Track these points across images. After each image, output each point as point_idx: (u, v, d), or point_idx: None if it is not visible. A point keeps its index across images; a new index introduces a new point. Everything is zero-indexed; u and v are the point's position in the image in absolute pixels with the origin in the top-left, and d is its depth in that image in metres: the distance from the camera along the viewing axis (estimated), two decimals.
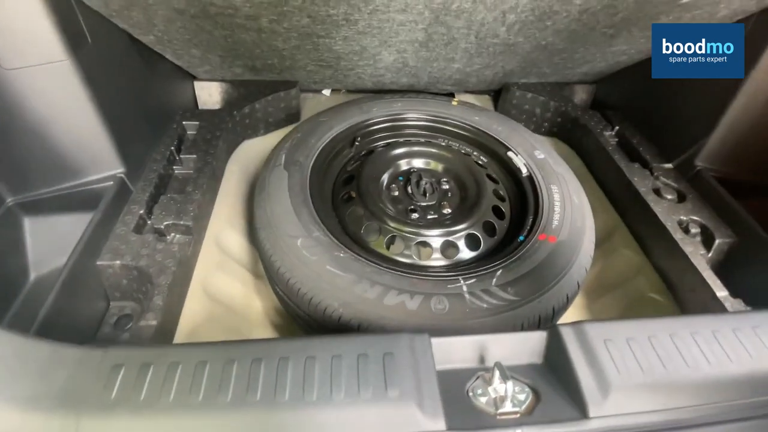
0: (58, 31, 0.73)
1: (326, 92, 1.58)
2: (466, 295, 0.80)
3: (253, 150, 1.32)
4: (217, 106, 1.36)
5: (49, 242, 0.84)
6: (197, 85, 1.33)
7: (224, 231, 1.08)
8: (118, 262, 0.81)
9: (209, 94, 1.35)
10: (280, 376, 0.52)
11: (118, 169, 0.90)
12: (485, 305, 0.79)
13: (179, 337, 0.83)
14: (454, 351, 0.61)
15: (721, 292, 0.84)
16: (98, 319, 0.81)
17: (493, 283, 0.82)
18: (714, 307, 0.84)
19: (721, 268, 0.92)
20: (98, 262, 0.80)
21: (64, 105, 0.79)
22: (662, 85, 1.18)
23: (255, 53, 1.10)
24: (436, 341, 0.60)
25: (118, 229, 0.86)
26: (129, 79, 0.97)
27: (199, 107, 1.36)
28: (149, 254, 0.82)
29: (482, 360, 0.61)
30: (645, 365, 0.56)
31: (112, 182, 0.89)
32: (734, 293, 0.85)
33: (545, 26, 0.97)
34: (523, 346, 0.62)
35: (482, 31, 0.95)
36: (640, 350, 0.58)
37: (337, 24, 0.96)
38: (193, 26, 0.92)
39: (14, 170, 0.77)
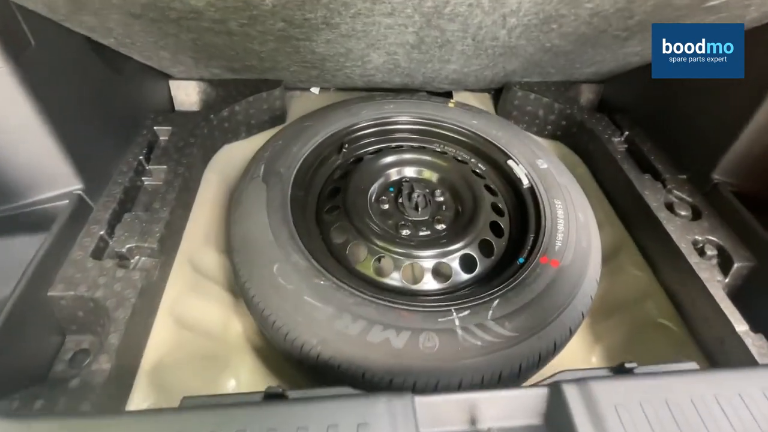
0: None
1: (315, 90, 1.48)
2: (459, 331, 0.72)
3: (233, 155, 1.23)
4: (195, 107, 1.27)
5: None
6: (173, 84, 1.23)
7: (199, 249, 1.00)
8: (71, 292, 0.72)
9: (186, 93, 1.25)
10: None
11: (75, 186, 0.82)
12: (479, 343, 0.71)
13: (142, 376, 0.75)
14: (441, 411, 0.53)
15: (741, 327, 0.76)
16: (52, 354, 0.73)
17: (489, 316, 0.74)
18: (732, 343, 0.76)
19: (739, 296, 0.84)
20: (49, 293, 0.72)
21: (6, 116, 0.70)
22: (678, 87, 1.08)
23: (230, 55, 1.01)
24: (420, 401, 0.52)
25: (75, 253, 0.77)
26: (87, 82, 0.87)
27: (176, 108, 1.26)
28: (107, 283, 0.74)
29: (473, 421, 0.54)
30: None
31: (68, 200, 0.80)
32: (755, 327, 0.77)
33: (550, 29, 0.87)
34: (520, 405, 0.54)
35: (480, 34, 0.86)
36: (656, 416, 0.50)
37: (316, 28, 0.86)
38: (155, 29, 0.83)
39: None
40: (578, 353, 0.93)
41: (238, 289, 0.87)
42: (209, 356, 0.88)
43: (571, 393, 0.52)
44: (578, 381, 0.53)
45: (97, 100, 0.91)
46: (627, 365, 0.67)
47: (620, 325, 0.99)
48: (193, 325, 0.90)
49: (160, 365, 0.80)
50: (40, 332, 0.72)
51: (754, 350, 0.73)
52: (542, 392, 0.54)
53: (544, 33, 0.89)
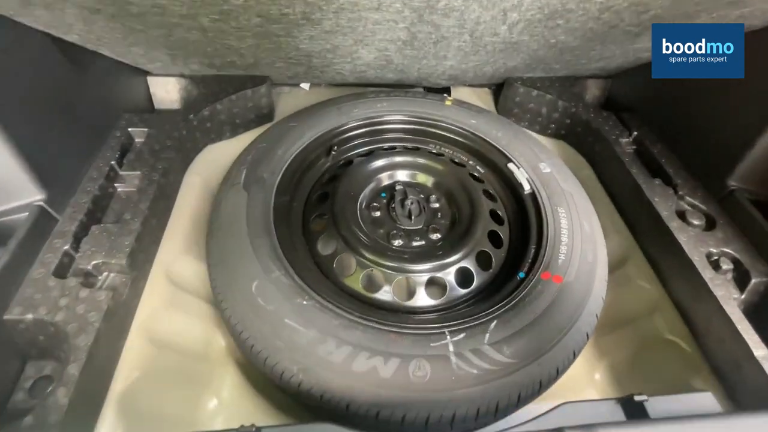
0: None
1: (305, 86, 1.40)
2: (452, 358, 0.66)
3: (217, 156, 1.15)
4: (176, 105, 1.19)
5: None
6: (151, 80, 1.15)
7: (178, 259, 0.93)
8: (30, 316, 0.66)
9: (166, 90, 1.17)
10: None
11: (36, 197, 0.75)
12: (475, 371, 0.65)
13: (110, 405, 0.69)
14: None
15: (759, 351, 0.70)
16: (11, 381, 0.68)
17: (486, 340, 0.68)
18: (749, 368, 0.70)
19: (756, 314, 0.78)
20: (5, 317, 0.66)
21: None
22: (693, 85, 1.01)
23: (207, 51, 0.93)
24: None
25: (35, 271, 0.71)
26: (49, 83, 0.80)
27: (156, 106, 1.19)
28: (69, 305, 0.68)
29: None
30: None
31: (28, 213, 0.73)
32: None
33: (556, 25, 0.79)
34: None
35: (478, 30, 0.79)
36: None
37: (296, 23, 0.78)
38: (119, 25, 0.75)
39: None
40: (580, 369, 0.87)
41: (217, 306, 0.81)
42: (188, 376, 0.83)
43: None
44: (584, 428, 0.47)
45: (62, 102, 0.83)
46: (637, 398, 0.61)
47: (626, 340, 0.93)
48: (171, 343, 0.84)
49: (132, 391, 0.74)
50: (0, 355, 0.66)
51: None
52: None
53: (549, 29, 0.81)
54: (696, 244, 0.86)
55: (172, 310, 0.87)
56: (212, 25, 0.78)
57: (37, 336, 0.68)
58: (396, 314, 0.79)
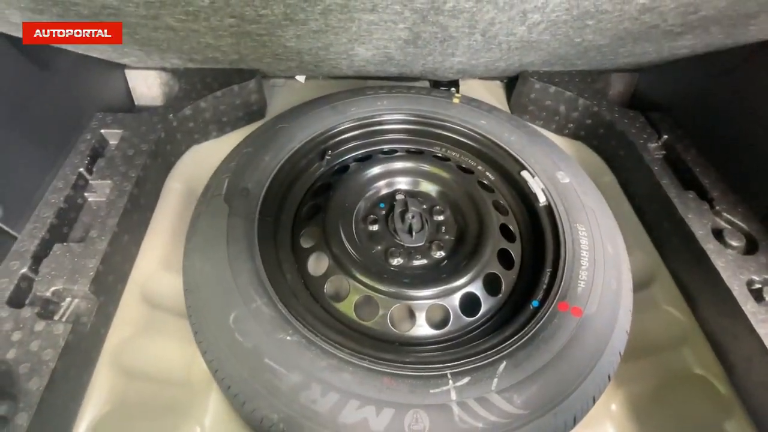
0: None
1: (300, 79, 1.29)
2: (455, 408, 0.58)
3: (202, 159, 1.06)
4: (158, 101, 1.09)
5: None
6: (130, 74, 1.05)
7: (156, 276, 0.85)
8: None
9: (147, 85, 1.07)
10: None
11: None
12: (480, 425, 0.57)
13: None
14: None
15: None
16: None
17: (493, 387, 0.60)
18: None
19: None
20: None
21: None
22: (736, 80, 0.88)
23: (183, 48, 0.83)
24: None
25: None
26: (1, 81, 0.70)
27: (136, 102, 1.09)
28: (22, 341, 0.60)
29: None
30: None
31: None
32: None
33: (584, 25, 0.68)
34: None
35: (491, 30, 0.67)
36: None
37: (277, 24, 0.68)
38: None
39: None
40: None
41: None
42: (167, 405, 0.75)
43: None
44: None
45: (19, 103, 0.74)
46: None
47: (648, 370, 0.83)
48: (146, 371, 0.77)
49: (100, 429, 0.67)
50: None
51: None
52: None
53: (576, 29, 0.70)
54: (735, 270, 0.76)
55: (147, 334, 0.79)
56: (181, 25, 0.67)
57: None
58: (392, 347, 0.70)
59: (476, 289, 0.77)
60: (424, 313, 0.74)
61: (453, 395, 0.59)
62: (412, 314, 0.75)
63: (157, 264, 0.87)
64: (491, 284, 0.79)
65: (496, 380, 0.60)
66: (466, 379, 0.60)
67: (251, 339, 0.62)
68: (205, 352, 0.65)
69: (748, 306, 0.71)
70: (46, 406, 0.57)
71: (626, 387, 0.81)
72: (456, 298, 0.75)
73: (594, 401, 0.64)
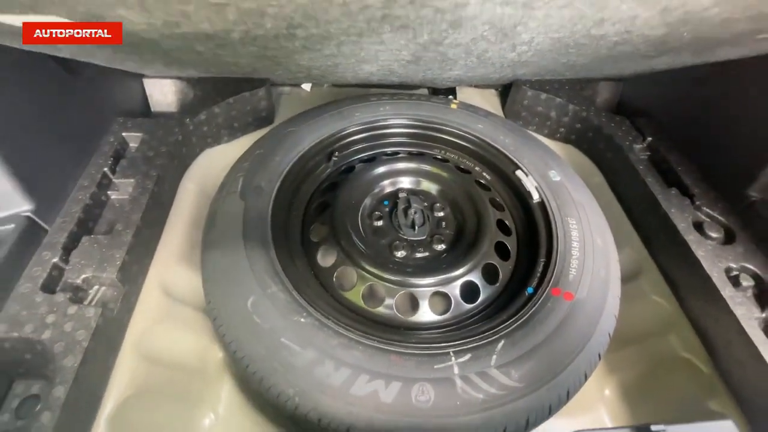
0: None
1: (306, 87, 1.36)
2: (457, 381, 0.63)
3: (215, 161, 1.12)
4: (173, 107, 1.16)
5: None
6: (147, 83, 1.12)
7: (173, 270, 0.90)
8: (16, 334, 0.63)
9: (163, 93, 1.14)
10: None
11: (23, 207, 0.72)
12: (481, 396, 0.62)
13: (101, 423, 0.67)
14: None
15: None
16: None
17: (493, 363, 0.65)
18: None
19: None
20: None
21: None
22: (714, 88, 0.96)
23: (204, 64, 0.89)
24: None
25: (22, 286, 0.68)
26: (34, 88, 0.77)
27: (152, 108, 1.16)
28: (57, 323, 0.65)
29: None
30: None
31: (14, 224, 0.70)
32: None
33: (567, 52, 0.76)
34: None
35: (486, 55, 0.75)
36: None
37: (295, 51, 0.75)
38: (107, 50, 0.72)
39: None
40: (590, 384, 0.83)
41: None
42: (183, 392, 0.80)
43: None
44: None
45: (51, 108, 0.80)
46: (654, 428, 0.58)
47: (638, 357, 0.89)
48: (165, 358, 0.81)
49: (124, 410, 0.71)
50: None
51: None
52: None
53: (561, 54, 0.78)
54: (714, 259, 0.82)
55: (166, 323, 0.84)
56: (209, 51, 0.74)
57: (23, 354, 0.65)
58: (398, 331, 0.75)
59: (475, 277, 0.82)
60: (427, 300, 0.80)
61: (456, 370, 0.64)
62: (415, 301, 0.80)
63: (175, 258, 0.92)
64: (489, 274, 0.84)
65: (495, 357, 0.66)
66: (467, 356, 0.66)
67: (268, 321, 0.67)
68: (224, 335, 0.69)
69: (727, 291, 0.77)
70: (79, 382, 0.62)
71: (618, 373, 0.86)
72: (456, 286, 0.81)
73: (586, 378, 0.69)
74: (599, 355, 0.71)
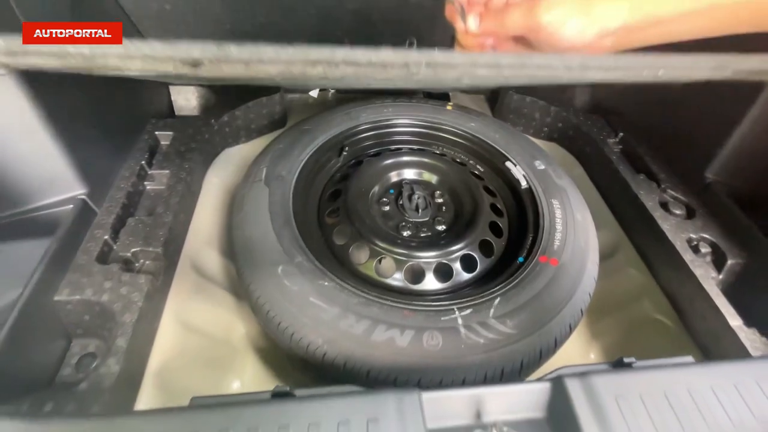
0: None
1: (313, 93, 1.49)
2: (462, 329, 0.74)
3: (234, 159, 1.24)
4: (194, 112, 1.28)
5: (2, 274, 0.76)
6: (173, 89, 1.24)
7: (202, 251, 1.01)
8: (78, 297, 0.73)
9: (186, 99, 1.26)
10: None
11: (79, 190, 0.82)
12: (482, 340, 0.73)
13: (149, 379, 0.76)
14: (447, 406, 0.54)
15: (735, 321, 0.78)
16: (58, 358, 0.74)
17: (491, 314, 0.76)
18: (726, 337, 0.78)
19: (733, 292, 0.86)
20: (56, 298, 0.72)
21: (10, 122, 0.71)
22: (670, 89, 1.11)
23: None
24: (427, 396, 0.53)
25: (80, 258, 0.78)
26: (89, 89, 0.88)
27: (176, 113, 1.27)
28: (113, 288, 0.74)
29: (479, 415, 0.55)
30: (660, 425, 0.50)
31: (72, 205, 0.81)
32: (748, 321, 0.79)
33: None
34: (524, 399, 0.56)
35: (476, 80, 0.88)
36: (655, 408, 0.52)
37: (314, 79, 0.88)
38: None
39: None
40: (577, 350, 0.95)
41: (242, 291, 0.88)
42: (213, 358, 0.89)
43: (573, 386, 0.53)
44: (580, 375, 0.55)
45: (99, 106, 0.91)
46: (626, 360, 0.69)
47: (618, 322, 1.00)
48: (197, 328, 0.90)
49: (165, 368, 0.81)
50: (47, 337, 0.72)
51: (747, 344, 0.75)
52: (545, 386, 0.56)
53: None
54: (677, 231, 0.95)
55: (197, 298, 0.93)
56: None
57: (82, 316, 0.75)
58: (407, 296, 0.86)
59: (473, 251, 0.94)
60: (431, 270, 0.91)
61: (460, 321, 0.75)
62: (422, 272, 0.91)
63: (203, 242, 1.02)
64: (485, 248, 0.96)
65: (492, 310, 0.77)
66: (469, 311, 0.76)
67: (297, 284, 0.78)
68: (258, 298, 0.79)
69: (688, 257, 0.90)
70: (135, 337, 0.71)
71: (601, 338, 0.97)
72: (457, 259, 0.92)
73: (571, 329, 0.80)
74: (581, 311, 0.83)
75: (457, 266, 0.92)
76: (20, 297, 0.67)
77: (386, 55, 0.37)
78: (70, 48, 0.33)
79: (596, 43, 0.44)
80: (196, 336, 0.89)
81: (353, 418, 0.48)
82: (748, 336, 0.77)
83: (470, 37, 0.50)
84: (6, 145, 0.72)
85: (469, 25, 0.48)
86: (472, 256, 0.93)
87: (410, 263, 0.90)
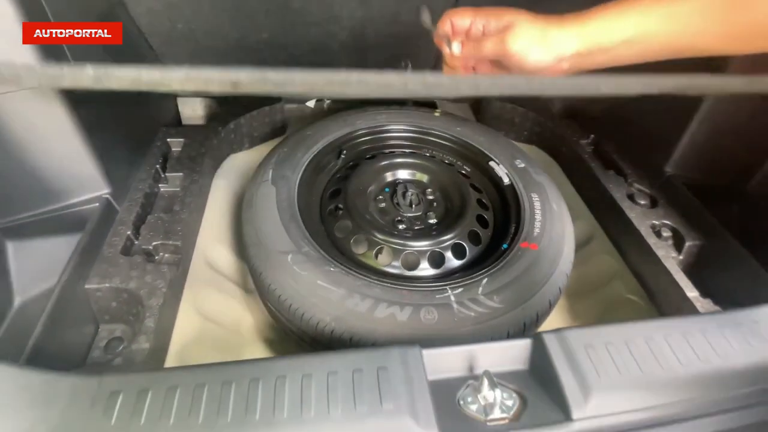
0: (40, 55, 0.73)
1: (310, 104, 1.59)
2: (454, 305, 0.83)
3: (239, 164, 1.33)
4: (200, 122, 1.36)
5: (34, 267, 0.83)
6: (180, 100, 1.33)
7: (212, 247, 1.09)
8: (107, 284, 0.80)
9: (193, 109, 1.35)
10: (278, 395, 0.53)
11: (104, 190, 0.90)
12: (472, 314, 0.82)
13: (171, 359, 0.83)
14: (444, 361, 0.63)
15: (692, 293, 0.89)
16: (87, 343, 0.80)
17: (480, 291, 0.86)
18: (686, 307, 0.89)
19: (691, 270, 0.98)
20: (87, 286, 0.79)
21: (48, 129, 0.79)
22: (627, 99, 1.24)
23: None
24: (426, 352, 0.62)
25: (106, 251, 0.85)
26: (110, 98, 0.96)
27: (183, 122, 1.36)
28: (139, 276, 0.82)
29: (471, 369, 0.64)
30: (622, 368, 0.60)
31: (98, 204, 0.88)
32: (704, 293, 0.90)
33: None
34: (510, 354, 0.65)
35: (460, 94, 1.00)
36: (618, 354, 0.61)
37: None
38: None
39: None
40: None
41: (252, 280, 0.96)
42: (226, 346, 0.96)
43: (550, 340, 0.63)
44: (556, 331, 0.64)
45: (119, 116, 1.00)
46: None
47: (594, 303, 1.11)
48: (211, 316, 0.98)
49: (184, 350, 0.88)
50: (78, 321, 0.79)
51: (702, 311, 0.86)
52: (527, 342, 0.65)
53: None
54: (642, 219, 1.07)
55: (210, 289, 1.01)
56: None
57: (110, 302, 0.82)
58: (405, 280, 0.95)
59: (462, 240, 1.04)
60: (426, 258, 1.00)
61: (452, 298, 0.84)
62: (417, 259, 1.00)
63: (214, 239, 1.10)
64: (473, 238, 1.06)
65: (481, 288, 0.86)
66: (460, 289, 0.86)
67: (306, 269, 0.86)
68: (269, 284, 0.87)
69: (652, 240, 1.01)
70: (161, 320, 0.79)
71: (579, 319, 1.08)
72: (448, 247, 1.02)
73: (551, 305, 0.90)
74: (560, 289, 0.93)
75: (448, 254, 1.02)
76: (57, 285, 0.75)
77: (391, 77, 0.47)
78: (144, 74, 0.42)
79: (555, 66, 0.55)
80: (210, 324, 0.97)
81: (365, 367, 0.57)
82: (703, 305, 0.88)
83: (455, 60, 0.60)
84: (44, 149, 0.80)
85: (453, 50, 0.59)
86: (462, 244, 1.03)
87: (406, 251, 1.00)
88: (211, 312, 0.98)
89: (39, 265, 0.83)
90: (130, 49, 1.01)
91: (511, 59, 0.55)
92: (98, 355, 0.79)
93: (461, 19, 0.60)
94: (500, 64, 0.57)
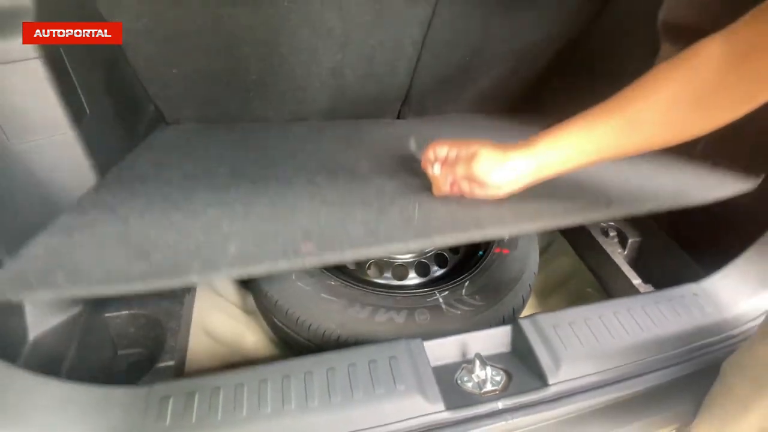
0: (62, 107, 0.81)
1: None
2: (443, 306, 0.96)
3: None
4: None
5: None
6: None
7: None
8: (125, 312, 0.86)
9: None
10: (308, 386, 0.63)
11: None
12: (459, 312, 0.95)
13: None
14: (442, 349, 0.75)
15: (636, 281, 1.07)
16: (108, 368, 0.85)
17: (463, 293, 0.99)
18: (631, 292, 1.06)
19: (635, 262, 1.16)
20: (106, 315, 0.85)
21: (68, 172, 0.85)
22: None
23: None
24: (427, 344, 0.74)
25: None
26: (119, 139, 1.04)
27: None
28: (156, 301, 0.88)
29: (465, 354, 0.76)
30: (584, 341, 0.74)
31: None
32: (645, 280, 1.08)
33: None
34: (495, 339, 0.78)
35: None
36: (579, 330, 0.76)
37: None
38: None
39: (13, 234, 0.81)
40: None
41: (258, 298, 1.04)
42: (231, 363, 1.03)
43: (526, 325, 0.77)
44: (530, 317, 0.78)
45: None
46: None
47: (560, 300, 1.28)
48: (217, 337, 1.05)
49: (197, 367, 0.94)
50: (98, 348, 0.84)
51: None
52: (508, 329, 0.79)
53: None
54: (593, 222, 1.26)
55: (215, 311, 1.08)
56: None
57: (128, 328, 0.88)
58: (397, 289, 1.07)
59: (444, 251, 1.17)
60: (413, 268, 1.13)
61: (441, 300, 0.97)
62: (405, 270, 1.13)
63: None
64: (452, 248, 1.20)
65: (464, 290, 1.00)
66: (447, 292, 0.99)
67: (310, 285, 0.96)
68: (276, 301, 0.96)
69: (601, 239, 1.19)
70: (180, 339, 0.85)
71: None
72: (432, 258, 1.15)
73: (524, 300, 1.05)
74: (530, 286, 1.08)
75: (432, 264, 1.15)
76: (80, 314, 0.80)
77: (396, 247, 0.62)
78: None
79: (517, 180, 0.68)
80: (217, 343, 1.04)
81: (379, 358, 0.68)
82: (645, 290, 1.05)
83: (437, 179, 0.76)
84: (61, 188, 0.85)
85: (435, 171, 0.75)
86: (443, 254, 1.17)
87: (395, 264, 1.12)
88: (216, 332, 1.05)
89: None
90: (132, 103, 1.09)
91: (477, 179, 0.69)
92: (119, 379, 0.84)
93: (440, 149, 0.75)
94: (472, 181, 0.71)
